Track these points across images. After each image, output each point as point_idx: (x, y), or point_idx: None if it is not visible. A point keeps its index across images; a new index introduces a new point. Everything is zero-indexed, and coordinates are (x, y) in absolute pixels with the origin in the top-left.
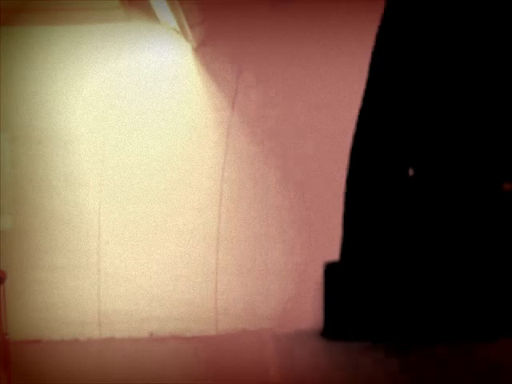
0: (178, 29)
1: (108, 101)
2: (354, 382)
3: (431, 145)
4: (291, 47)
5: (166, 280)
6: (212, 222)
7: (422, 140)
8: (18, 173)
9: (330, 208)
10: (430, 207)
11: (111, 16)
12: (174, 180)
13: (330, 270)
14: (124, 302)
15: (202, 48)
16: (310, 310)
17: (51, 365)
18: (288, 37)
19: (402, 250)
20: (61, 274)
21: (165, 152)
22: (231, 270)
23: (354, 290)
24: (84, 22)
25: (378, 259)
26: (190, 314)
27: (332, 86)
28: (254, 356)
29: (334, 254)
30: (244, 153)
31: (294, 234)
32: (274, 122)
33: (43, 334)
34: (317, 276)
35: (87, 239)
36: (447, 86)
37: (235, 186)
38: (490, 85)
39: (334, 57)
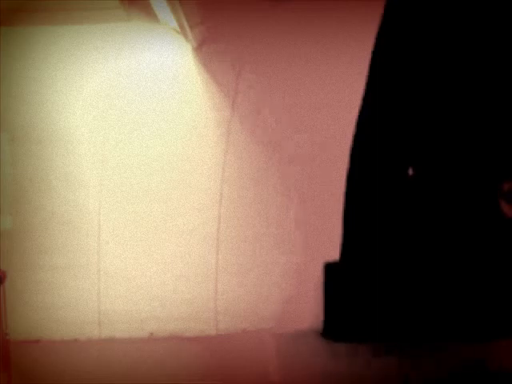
0: (178, 29)
1: (108, 101)
2: (354, 382)
3: (431, 145)
4: (291, 47)
5: (166, 280)
6: (212, 222)
7: (422, 140)
8: (17, 173)
9: (329, 208)
10: (430, 207)
11: (111, 16)
12: (174, 180)
13: (330, 269)
14: (124, 302)
15: (202, 48)
16: (309, 310)
17: (51, 365)
18: (288, 37)
19: (402, 250)
20: (61, 274)
21: (165, 152)
22: (231, 270)
23: (354, 290)
24: (84, 22)
25: (378, 259)
26: (189, 313)
27: (332, 86)
28: (254, 356)
29: (334, 253)
30: (244, 153)
31: (294, 234)
32: (274, 122)
33: (43, 334)
34: (317, 276)
35: (87, 239)
36: (447, 86)
37: (235, 186)
38: (490, 85)
39: (334, 57)
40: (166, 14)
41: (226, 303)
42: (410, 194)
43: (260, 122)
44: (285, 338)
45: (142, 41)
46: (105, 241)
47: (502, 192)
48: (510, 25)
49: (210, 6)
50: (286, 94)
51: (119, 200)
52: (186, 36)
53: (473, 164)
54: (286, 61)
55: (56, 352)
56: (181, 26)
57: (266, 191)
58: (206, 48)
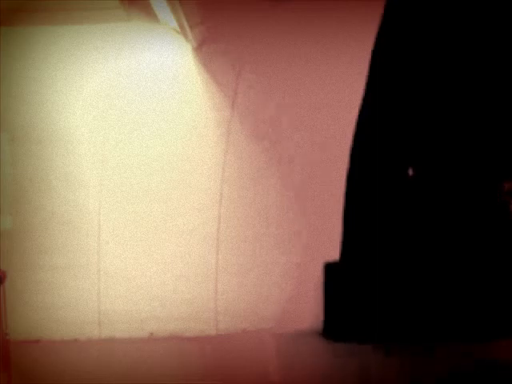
0: (178, 29)
1: (108, 101)
2: (354, 382)
3: (431, 145)
4: (291, 47)
5: (166, 280)
6: (212, 222)
7: (422, 140)
8: (17, 173)
9: (329, 208)
10: (430, 207)
11: (111, 16)
12: (174, 180)
13: (330, 269)
14: (124, 302)
15: (202, 48)
16: (310, 310)
17: (51, 365)
18: (288, 37)
19: (402, 250)
20: (61, 274)
21: (165, 152)
22: (231, 270)
23: (354, 290)
24: (84, 22)
25: (378, 259)
26: (189, 313)
27: (332, 86)
28: (254, 356)
29: (334, 253)
30: (244, 153)
31: (294, 233)
32: (274, 122)
33: (43, 334)
34: (317, 276)
35: (87, 239)
36: (447, 86)
37: (235, 186)
38: (490, 85)
39: (334, 57)
40: (166, 14)
41: (226, 303)
42: (409, 195)
43: (260, 122)
44: (285, 338)
45: (142, 41)
46: (105, 241)
47: (503, 192)
48: (509, 25)
49: (210, 5)
50: (285, 94)
51: (119, 200)
52: (186, 36)
53: (473, 164)
54: (286, 61)
55: (56, 352)
56: (181, 26)
57: (266, 191)
58: (206, 48)
